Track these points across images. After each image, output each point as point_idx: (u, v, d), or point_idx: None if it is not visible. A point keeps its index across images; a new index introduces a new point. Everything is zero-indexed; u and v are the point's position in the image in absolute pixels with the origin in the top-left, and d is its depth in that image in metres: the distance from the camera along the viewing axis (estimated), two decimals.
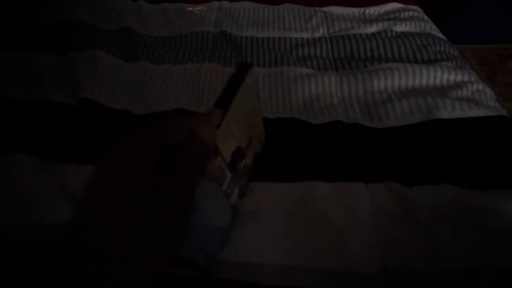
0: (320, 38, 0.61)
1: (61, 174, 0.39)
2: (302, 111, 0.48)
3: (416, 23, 0.62)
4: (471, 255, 0.31)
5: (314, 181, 0.38)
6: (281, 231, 0.33)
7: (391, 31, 0.60)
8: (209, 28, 0.64)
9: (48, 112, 0.46)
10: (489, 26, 1.33)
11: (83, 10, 0.64)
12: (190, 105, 0.48)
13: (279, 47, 0.60)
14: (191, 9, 0.70)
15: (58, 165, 0.40)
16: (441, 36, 0.62)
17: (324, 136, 0.43)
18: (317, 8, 0.68)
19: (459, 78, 0.50)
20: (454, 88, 0.49)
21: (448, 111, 0.44)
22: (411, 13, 0.65)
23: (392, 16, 0.65)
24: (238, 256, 0.31)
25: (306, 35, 0.62)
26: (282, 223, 0.34)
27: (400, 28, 0.61)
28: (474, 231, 0.33)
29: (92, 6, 0.66)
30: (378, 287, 0.30)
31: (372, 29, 0.61)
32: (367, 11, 0.66)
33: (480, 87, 0.50)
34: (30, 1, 0.67)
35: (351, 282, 0.30)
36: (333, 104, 0.49)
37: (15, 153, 0.40)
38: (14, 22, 0.63)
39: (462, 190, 0.36)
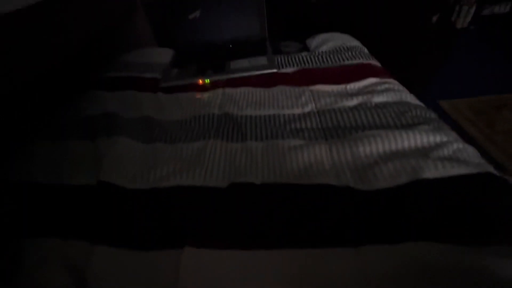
0: (309, 113, 0.70)
1: (71, 253, 0.43)
2: (297, 177, 0.53)
3: (392, 93, 0.72)
4: None
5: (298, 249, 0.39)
6: None
7: (370, 102, 0.69)
8: (214, 111, 0.75)
9: (71, 193, 0.53)
10: (479, 79, 1.48)
11: (112, 104, 0.78)
12: (194, 181, 0.54)
13: (274, 123, 0.69)
14: (199, 96, 0.84)
15: (70, 243, 0.44)
16: (418, 103, 0.70)
17: (314, 200, 0.46)
18: (306, 88, 0.80)
19: (438, 139, 0.55)
20: (435, 148, 0.53)
21: (431, 171, 0.47)
22: (386, 85, 0.75)
23: (370, 89, 0.75)
24: None
25: (297, 111, 0.72)
26: None
27: (378, 99, 0.70)
28: None
29: (120, 100, 0.80)
30: None
31: (353, 102, 0.70)
32: (348, 87, 0.77)
33: (460, 146, 0.54)
34: (68, 98, 0.81)
35: None
36: (325, 170, 0.53)
37: (39, 238, 0.44)
38: (48, 115, 0.74)
39: (449, 247, 0.36)
